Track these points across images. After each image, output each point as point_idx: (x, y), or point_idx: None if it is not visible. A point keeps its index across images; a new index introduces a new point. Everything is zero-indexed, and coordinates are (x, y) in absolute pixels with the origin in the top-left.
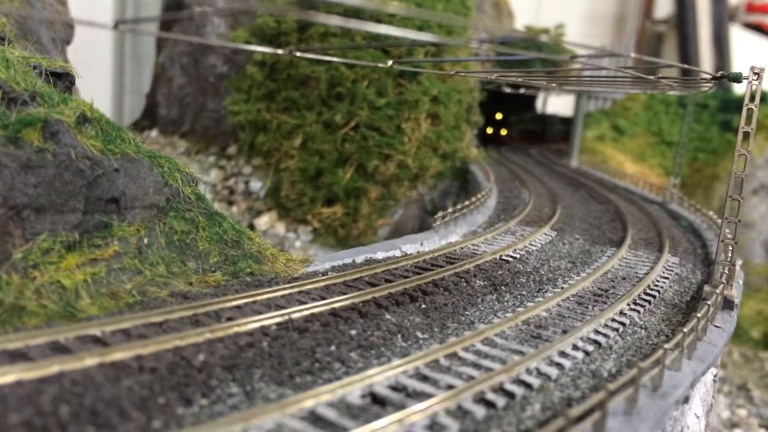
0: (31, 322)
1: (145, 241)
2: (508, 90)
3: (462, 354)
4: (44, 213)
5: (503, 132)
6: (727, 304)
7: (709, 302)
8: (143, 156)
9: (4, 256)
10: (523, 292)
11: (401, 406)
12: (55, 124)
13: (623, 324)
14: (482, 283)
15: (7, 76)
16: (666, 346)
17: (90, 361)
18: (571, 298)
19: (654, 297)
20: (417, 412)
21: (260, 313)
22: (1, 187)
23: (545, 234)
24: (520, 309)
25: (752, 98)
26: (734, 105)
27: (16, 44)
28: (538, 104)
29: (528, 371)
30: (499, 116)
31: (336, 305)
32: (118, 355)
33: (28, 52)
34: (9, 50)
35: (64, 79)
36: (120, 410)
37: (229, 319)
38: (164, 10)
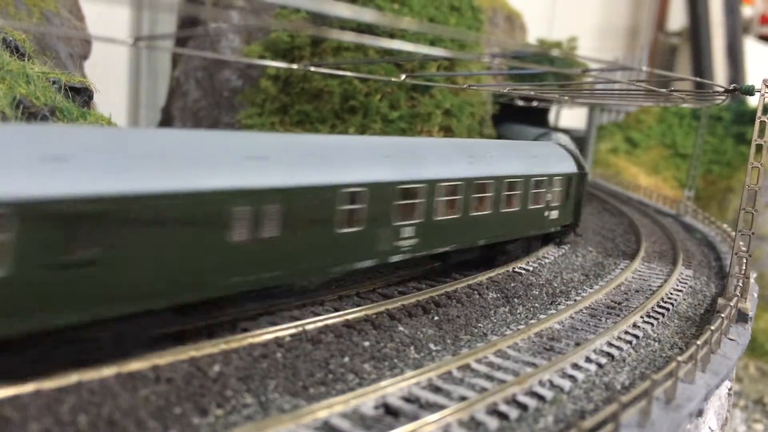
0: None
1: None
2: (520, 103)
3: (475, 366)
4: None
5: None
6: (741, 317)
7: (722, 315)
8: None
9: None
10: (536, 305)
11: (414, 417)
12: None
13: (636, 336)
14: (495, 296)
15: (27, 91)
16: (679, 358)
17: (107, 371)
18: (584, 311)
19: (668, 310)
20: (430, 423)
21: (274, 324)
22: None
23: (558, 246)
24: (532, 321)
25: (765, 111)
26: (748, 117)
27: (35, 60)
28: (551, 117)
29: (541, 383)
30: None
31: (349, 317)
32: (135, 365)
33: (47, 68)
34: (29, 66)
35: (82, 94)
36: (137, 420)
37: (244, 330)
38: (179, 25)
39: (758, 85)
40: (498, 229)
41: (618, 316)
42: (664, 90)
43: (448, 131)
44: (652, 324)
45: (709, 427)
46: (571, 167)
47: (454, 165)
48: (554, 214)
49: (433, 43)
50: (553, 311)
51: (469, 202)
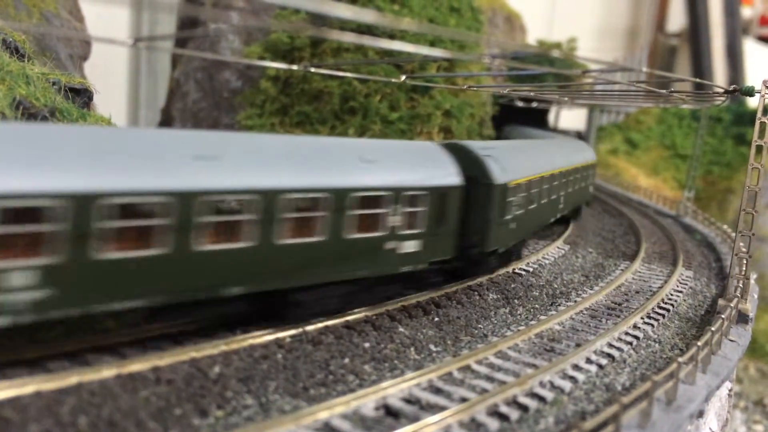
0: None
1: None
2: (520, 104)
3: (475, 367)
4: None
5: None
6: (742, 318)
7: (723, 316)
8: None
9: None
10: (536, 306)
11: (415, 419)
12: None
13: (637, 338)
14: (495, 297)
15: (27, 92)
16: (680, 359)
17: (107, 372)
18: (585, 312)
19: (668, 311)
20: (431, 424)
21: (275, 324)
22: None
23: (558, 247)
24: (533, 322)
25: (765, 111)
26: (748, 118)
27: (35, 60)
28: (551, 118)
29: (541, 384)
30: None
31: (350, 318)
32: (136, 366)
33: (47, 69)
34: (29, 67)
35: (82, 95)
36: (137, 421)
37: (244, 331)
38: (179, 26)
39: (758, 86)
40: (271, 271)
41: (618, 317)
42: (663, 91)
43: (447, 132)
44: (652, 325)
45: (710, 428)
46: (447, 177)
47: (152, 169)
48: (410, 246)
49: (432, 43)
50: (554, 312)
51: (193, 230)
